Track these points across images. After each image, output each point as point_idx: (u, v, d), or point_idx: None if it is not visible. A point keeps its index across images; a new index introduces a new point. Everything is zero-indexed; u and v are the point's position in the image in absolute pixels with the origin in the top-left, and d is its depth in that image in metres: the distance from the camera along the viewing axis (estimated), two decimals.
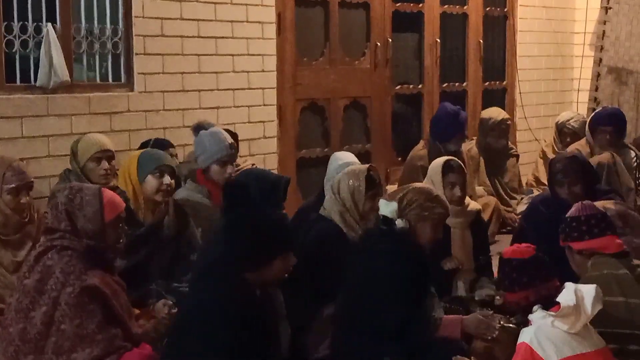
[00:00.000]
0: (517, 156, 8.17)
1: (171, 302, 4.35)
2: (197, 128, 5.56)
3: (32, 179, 4.88)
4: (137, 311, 4.27)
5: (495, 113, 7.97)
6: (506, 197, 7.86)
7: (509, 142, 8.17)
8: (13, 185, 4.72)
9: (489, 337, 4.09)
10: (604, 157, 6.39)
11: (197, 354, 3.32)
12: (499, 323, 4.29)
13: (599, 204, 4.19)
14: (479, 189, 7.54)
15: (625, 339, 3.53)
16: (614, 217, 4.08)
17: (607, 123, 6.84)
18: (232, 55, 6.89)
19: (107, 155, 5.30)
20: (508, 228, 7.41)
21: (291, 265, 3.57)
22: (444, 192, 5.10)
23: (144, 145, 5.89)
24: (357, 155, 7.60)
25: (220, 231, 3.51)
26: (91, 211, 3.89)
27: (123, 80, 6.33)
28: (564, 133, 8.08)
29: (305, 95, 7.54)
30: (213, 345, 3.29)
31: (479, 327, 4.16)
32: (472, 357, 3.81)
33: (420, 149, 7.24)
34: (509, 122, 8.03)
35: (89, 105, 6.02)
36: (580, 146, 7.06)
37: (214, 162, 5.30)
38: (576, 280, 3.56)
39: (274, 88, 7.22)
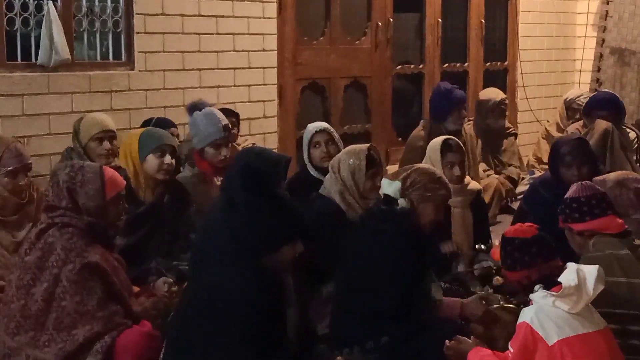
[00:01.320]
0: (515, 135, 8.15)
1: (171, 280, 4.35)
2: (192, 108, 5.53)
3: (30, 161, 4.85)
4: (137, 289, 4.28)
5: (493, 94, 7.95)
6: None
7: (507, 122, 8.16)
8: (11, 168, 4.69)
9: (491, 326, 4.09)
10: (605, 125, 6.40)
11: (209, 335, 3.31)
12: (499, 303, 4.31)
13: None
14: (481, 171, 7.54)
15: (627, 320, 3.53)
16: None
17: (601, 107, 6.82)
18: (233, 34, 6.87)
19: (109, 135, 5.29)
20: (507, 200, 7.43)
21: (299, 252, 3.56)
22: (442, 171, 5.10)
23: (145, 123, 5.89)
24: (357, 135, 7.74)
25: (226, 212, 3.48)
26: (92, 189, 3.89)
27: (124, 58, 6.32)
28: (573, 109, 8.08)
29: (306, 75, 7.53)
30: (228, 326, 3.28)
31: (479, 311, 4.16)
32: (471, 337, 3.81)
33: (420, 129, 7.23)
34: (506, 102, 8.03)
35: (90, 84, 6.01)
36: (576, 131, 7.05)
37: (208, 144, 5.27)
38: (577, 260, 3.56)
39: (274, 67, 7.21)
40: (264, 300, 3.35)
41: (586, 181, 3.89)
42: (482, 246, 5.26)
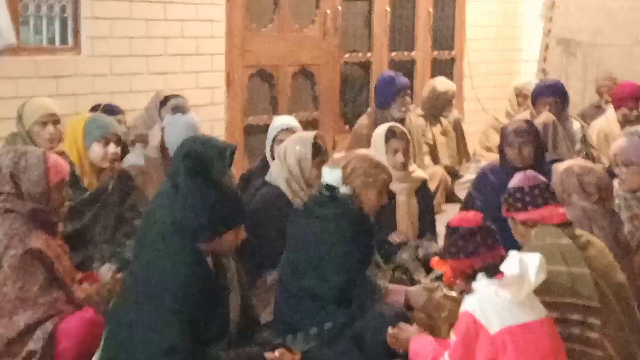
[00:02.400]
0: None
1: (115, 267, 4.33)
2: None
3: None
4: (80, 275, 4.25)
5: (450, 85, 8.07)
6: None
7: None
8: None
9: (435, 316, 4.13)
10: (547, 117, 6.49)
11: (146, 320, 3.30)
12: (443, 290, 4.36)
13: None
14: (426, 159, 7.59)
15: (568, 308, 3.58)
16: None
17: (548, 94, 6.89)
18: (181, 20, 6.83)
19: (53, 119, 5.22)
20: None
21: (241, 239, 3.56)
22: (386, 158, 5.14)
23: (93, 110, 5.82)
24: (304, 123, 7.72)
25: (171, 198, 3.47)
26: (35, 174, 3.86)
27: (70, 43, 6.26)
28: (523, 96, 8.16)
29: (254, 62, 7.50)
30: (163, 311, 3.27)
31: (426, 305, 4.20)
32: (414, 325, 3.84)
33: (365, 118, 7.28)
34: (454, 92, 8.13)
35: (36, 69, 5.94)
36: (529, 116, 7.13)
37: None
38: (521, 248, 3.60)
39: (222, 54, 7.17)
40: (198, 285, 3.34)
41: (529, 171, 3.93)
42: (428, 236, 5.32)
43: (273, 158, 5.40)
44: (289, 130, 5.44)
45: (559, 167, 4.20)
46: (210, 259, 3.51)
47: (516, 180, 3.81)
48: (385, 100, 7.14)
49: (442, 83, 8.07)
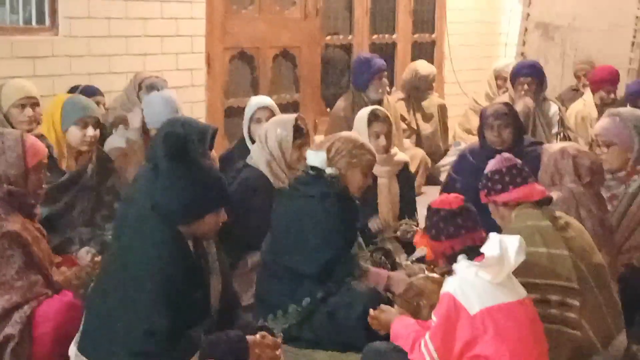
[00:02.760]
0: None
1: (94, 250, 4.31)
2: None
3: None
4: (58, 258, 4.22)
5: (430, 68, 8.06)
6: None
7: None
8: None
9: (414, 303, 4.14)
10: (525, 104, 6.52)
11: (126, 302, 3.28)
12: (424, 272, 4.36)
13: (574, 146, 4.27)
14: (406, 141, 7.60)
15: (547, 289, 3.60)
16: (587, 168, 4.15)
17: (526, 74, 6.92)
18: (161, 1, 6.77)
19: (32, 102, 5.16)
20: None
21: (222, 221, 3.54)
22: (369, 142, 5.13)
23: (72, 91, 5.77)
24: (285, 105, 7.71)
25: (151, 180, 3.44)
26: (13, 156, 3.82)
27: (47, 24, 6.18)
28: (502, 78, 8.16)
29: (235, 44, 7.46)
30: (143, 293, 3.26)
31: (406, 291, 4.20)
32: (395, 307, 3.85)
33: (343, 100, 7.28)
34: (435, 75, 8.14)
35: (12, 49, 5.87)
36: (506, 99, 7.14)
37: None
38: (500, 230, 3.60)
39: (202, 35, 7.12)
40: (178, 268, 3.32)
41: (505, 153, 3.94)
42: (407, 219, 5.34)
43: (251, 138, 5.39)
44: (266, 109, 5.45)
45: (551, 148, 4.22)
46: (191, 241, 3.48)
47: (492, 164, 3.84)
48: (362, 82, 7.15)
49: (424, 66, 8.08)
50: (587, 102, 7.43)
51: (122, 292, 3.31)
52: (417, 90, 7.93)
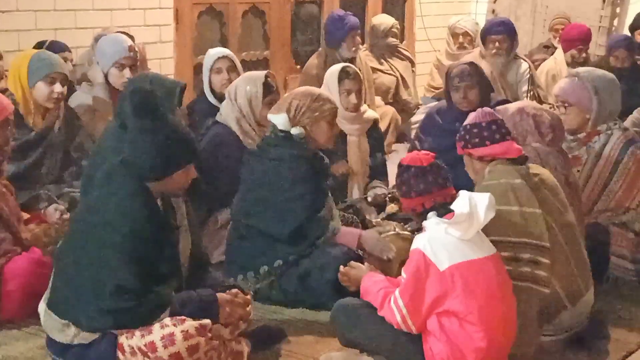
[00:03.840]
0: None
1: (63, 207, 4.27)
2: (98, 37, 5.41)
3: None
4: (27, 215, 4.19)
5: (385, 19, 8.04)
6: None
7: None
8: None
9: (384, 257, 4.16)
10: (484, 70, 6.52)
11: (94, 259, 3.26)
12: (394, 230, 4.38)
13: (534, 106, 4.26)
14: (377, 99, 7.58)
15: (519, 247, 3.61)
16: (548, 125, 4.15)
17: (497, 32, 6.92)
18: None
19: None
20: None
21: (192, 178, 3.50)
22: (339, 99, 5.13)
23: (38, 46, 5.67)
24: (255, 62, 7.65)
25: (118, 137, 3.41)
26: None
27: None
28: (456, 35, 8.12)
29: None
30: (111, 250, 3.24)
31: (375, 246, 4.22)
32: (365, 263, 3.85)
33: (315, 57, 7.23)
34: (397, 26, 8.09)
35: None
36: (473, 57, 7.11)
37: (112, 65, 5.15)
38: (470, 189, 3.61)
39: None
40: (146, 225, 3.30)
41: (486, 108, 3.93)
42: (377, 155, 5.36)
43: (212, 89, 5.36)
44: (225, 58, 5.43)
45: (508, 110, 4.18)
46: (159, 199, 3.45)
47: (472, 116, 3.82)
48: (335, 39, 7.09)
49: (377, 17, 8.07)
50: (557, 60, 7.43)
51: (90, 248, 3.28)
52: (377, 46, 7.89)
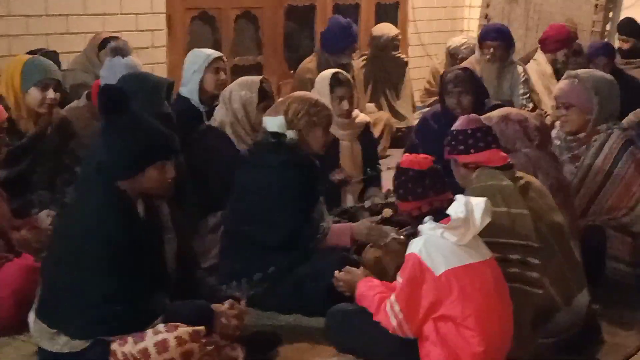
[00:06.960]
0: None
1: (54, 213, 4.24)
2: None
3: None
4: (19, 222, 4.17)
5: (387, 29, 7.98)
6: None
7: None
8: None
9: (382, 243, 4.14)
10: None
11: (75, 269, 3.22)
12: (391, 235, 4.35)
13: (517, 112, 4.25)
14: (370, 106, 7.57)
15: (508, 248, 3.59)
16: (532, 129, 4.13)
17: (493, 38, 6.92)
18: None
19: None
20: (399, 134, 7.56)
21: (169, 177, 3.40)
22: (331, 106, 5.09)
23: (31, 54, 5.64)
24: (248, 67, 7.64)
25: (97, 140, 3.36)
26: None
27: None
28: (454, 58, 8.09)
29: (195, 4, 7.37)
30: (90, 260, 3.20)
31: (369, 233, 4.22)
32: (362, 268, 3.83)
33: (309, 61, 7.20)
34: (400, 37, 8.09)
35: None
36: (469, 64, 7.10)
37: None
38: (462, 193, 3.59)
39: None
40: (123, 230, 3.24)
41: (473, 114, 3.93)
42: (370, 170, 5.33)
43: (201, 88, 5.25)
44: (221, 60, 5.38)
45: (492, 118, 4.15)
46: (141, 201, 3.39)
47: (459, 123, 3.81)
48: (338, 46, 7.05)
49: (378, 28, 8.08)
50: (538, 59, 7.45)
51: (71, 258, 3.24)
52: (376, 57, 7.89)
